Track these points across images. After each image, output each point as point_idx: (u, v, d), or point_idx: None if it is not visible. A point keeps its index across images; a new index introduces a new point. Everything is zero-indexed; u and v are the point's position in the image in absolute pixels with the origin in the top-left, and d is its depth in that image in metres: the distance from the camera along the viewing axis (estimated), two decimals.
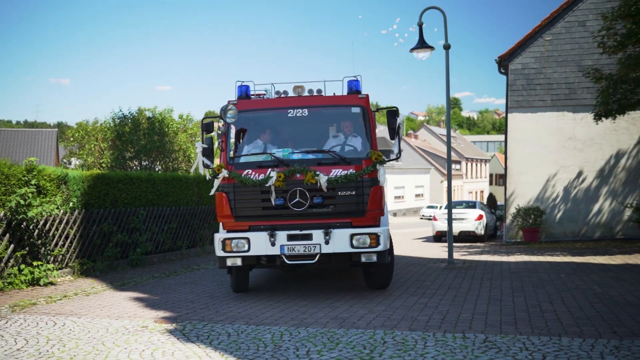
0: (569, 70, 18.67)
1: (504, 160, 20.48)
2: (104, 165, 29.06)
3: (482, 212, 22.19)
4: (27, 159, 10.80)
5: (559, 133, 18.89)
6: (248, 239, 8.08)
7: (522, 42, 19.04)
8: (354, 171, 8.03)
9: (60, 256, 11.05)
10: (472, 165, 76.81)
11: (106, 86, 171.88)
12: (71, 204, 11.46)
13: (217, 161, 8.77)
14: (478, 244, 20.31)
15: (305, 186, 7.99)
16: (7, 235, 9.83)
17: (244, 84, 8.93)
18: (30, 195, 10.01)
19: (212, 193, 8.72)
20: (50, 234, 10.69)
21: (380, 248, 8.00)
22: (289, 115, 8.51)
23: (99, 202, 12.31)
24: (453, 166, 69.10)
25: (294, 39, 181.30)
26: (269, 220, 8.17)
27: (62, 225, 10.99)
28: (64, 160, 35.93)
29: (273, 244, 8.02)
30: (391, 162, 9.79)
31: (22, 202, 9.82)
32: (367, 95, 8.63)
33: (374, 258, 8.05)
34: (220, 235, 8.22)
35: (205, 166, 8.68)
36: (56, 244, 10.86)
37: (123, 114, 29.32)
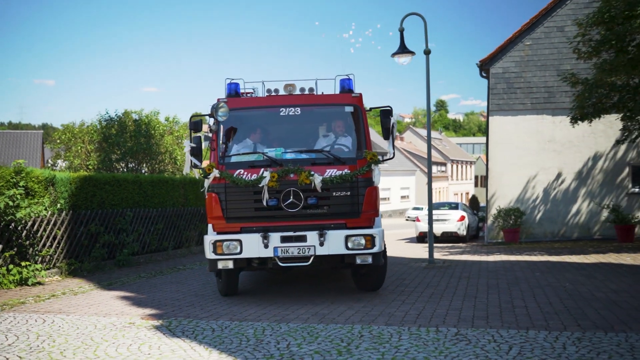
0: (548, 74, 19.14)
1: (486, 162, 20.90)
2: (90, 167, 29.15)
3: (464, 213, 22.59)
4: (16, 160, 11.00)
5: (539, 135, 19.34)
6: (240, 241, 7.85)
7: (502, 47, 19.49)
8: (348, 171, 7.91)
9: (48, 257, 11.23)
10: (457, 167, 77.43)
11: (91, 87, 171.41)
12: (59, 205, 11.65)
13: (205, 162, 8.54)
14: (460, 244, 20.70)
15: (299, 186, 7.82)
16: None
17: (233, 81, 8.65)
18: (18, 196, 10.20)
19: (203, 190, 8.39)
20: (39, 234, 10.88)
21: (375, 249, 7.88)
22: (281, 114, 8.29)
23: (87, 204, 12.50)
24: (439, 168, 69.66)
25: (280, 40, 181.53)
26: (261, 221, 7.96)
27: (50, 226, 11.18)
28: (50, 162, 35.89)
29: (266, 246, 7.81)
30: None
31: (10, 203, 10.01)
32: (361, 94, 8.47)
33: (369, 260, 7.91)
34: (211, 237, 7.96)
35: (194, 166, 8.42)
36: (44, 245, 11.04)
37: (109, 116, 29.45)
